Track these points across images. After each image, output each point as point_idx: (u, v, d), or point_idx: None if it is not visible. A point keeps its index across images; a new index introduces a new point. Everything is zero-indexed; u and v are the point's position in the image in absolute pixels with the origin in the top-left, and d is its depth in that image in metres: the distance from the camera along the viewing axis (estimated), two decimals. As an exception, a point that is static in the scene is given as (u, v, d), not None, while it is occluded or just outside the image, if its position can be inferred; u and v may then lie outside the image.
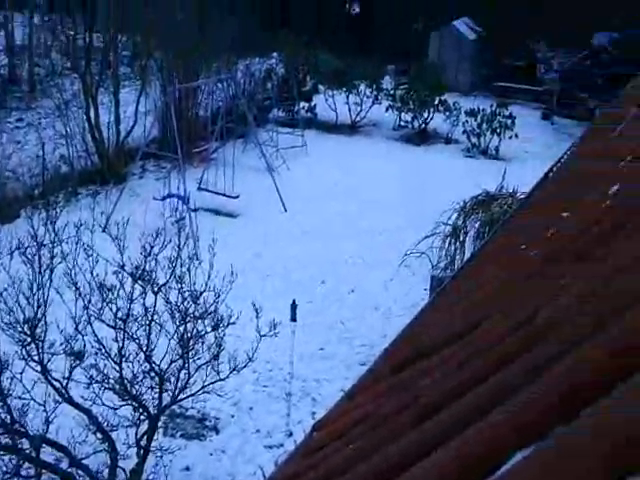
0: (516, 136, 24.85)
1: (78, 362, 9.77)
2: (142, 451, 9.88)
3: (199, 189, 20.13)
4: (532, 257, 3.77)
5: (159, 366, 9.84)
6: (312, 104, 27.55)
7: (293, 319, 12.82)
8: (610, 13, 28.03)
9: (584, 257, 2.54)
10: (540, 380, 1.57)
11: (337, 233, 18.63)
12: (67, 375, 9.59)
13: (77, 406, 9.73)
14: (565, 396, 1.45)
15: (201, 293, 10.10)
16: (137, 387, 9.81)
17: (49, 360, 9.58)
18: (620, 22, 27.94)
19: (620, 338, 1.42)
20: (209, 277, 10.36)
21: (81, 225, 10.78)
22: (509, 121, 25.20)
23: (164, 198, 18.56)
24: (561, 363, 1.55)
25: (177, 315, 10.00)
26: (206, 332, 10.05)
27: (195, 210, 18.63)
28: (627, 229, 2.30)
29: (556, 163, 9.41)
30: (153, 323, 9.85)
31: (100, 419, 9.77)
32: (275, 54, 29.10)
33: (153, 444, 10.07)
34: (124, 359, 9.67)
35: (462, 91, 29.52)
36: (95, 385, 9.77)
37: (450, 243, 15.15)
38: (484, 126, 25.34)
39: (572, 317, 1.81)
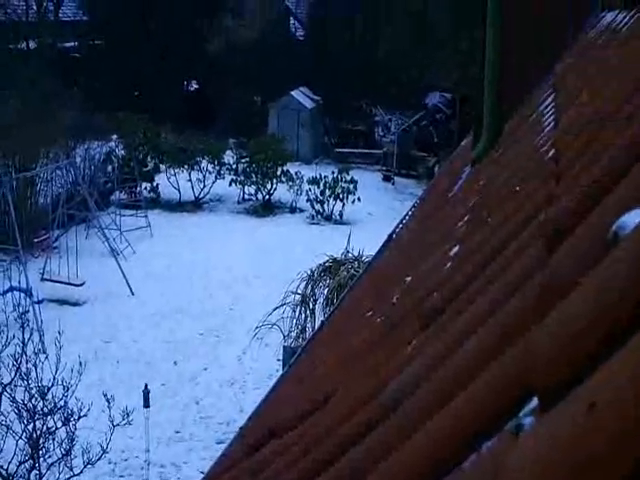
0: (359, 200, 25.27)
1: None
2: None
3: (42, 279, 19.56)
4: (378, 324, 3.71)
5: (7, 470, 9.40)
6: (154, 184, 27.35)
7: (146, 405, 12.52)
8: (443, 74, 29.08)
9: (428, 324, 2.48)
10: (387, 462, 1.48)
11: (187, 312, 18.40)
12: None
13: None
14: (413, 476, 1.36)
15: (49, 388, 9.77)
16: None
17: None
18: (452, 83, 28.98)
19: (463, 410, 1.35)
20: (57, 370, 10.03)
21: None
22: (351, 185, 25.63)
23: (5, 292, 17.95)
24: (409, 441, 1.46)
25: (25, 414, 9.62)
26: (57, 428, 9.72)
27: (39, 302, 18.06)
28: (469, 292, 2.26)
29: (399, 224, 9.53)
30: (-1, 425, 9.45)
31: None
32: (115, 136, 28.80)
33: None
34: (-33, 467, 9.21)
35: (304, 160, 29.90)
36: None
37: (300, 312, 15.15)
38: (327, 193, 25.68)
39: (418, 390, 1.73)
